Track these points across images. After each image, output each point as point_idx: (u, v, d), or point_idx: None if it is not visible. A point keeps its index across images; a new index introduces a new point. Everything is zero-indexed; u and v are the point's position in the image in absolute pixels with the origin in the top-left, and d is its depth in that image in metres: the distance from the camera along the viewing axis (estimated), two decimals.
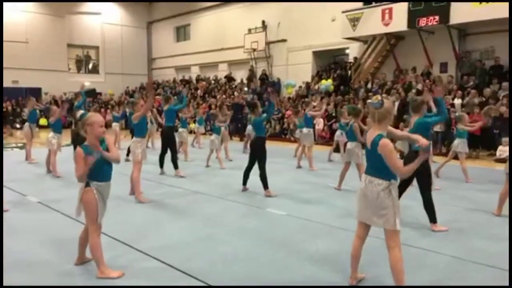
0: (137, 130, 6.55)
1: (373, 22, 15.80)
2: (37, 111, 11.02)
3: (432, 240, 4.64)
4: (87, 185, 3.51)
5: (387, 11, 15.44)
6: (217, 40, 24.10)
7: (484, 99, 12.64)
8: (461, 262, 4.02)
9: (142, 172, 6.51)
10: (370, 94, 15.54)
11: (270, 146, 7.88)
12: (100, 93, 26.10)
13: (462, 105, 12.80)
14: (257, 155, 6.78)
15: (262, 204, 6.24)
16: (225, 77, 23.86)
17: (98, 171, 3.51)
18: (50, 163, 8.50)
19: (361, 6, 16.39)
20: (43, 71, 24.39)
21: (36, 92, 23.31)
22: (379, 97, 3.33)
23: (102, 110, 21.91)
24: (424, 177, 5.03)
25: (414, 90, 14.29)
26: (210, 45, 24.50)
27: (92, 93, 22.24)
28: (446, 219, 5.31)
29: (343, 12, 16.69)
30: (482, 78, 13.87)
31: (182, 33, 27.90)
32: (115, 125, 12.99)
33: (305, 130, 9.76)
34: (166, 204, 6.25)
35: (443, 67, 15.35)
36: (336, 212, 5.81)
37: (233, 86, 22.70)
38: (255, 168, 6.84)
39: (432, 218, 5.03)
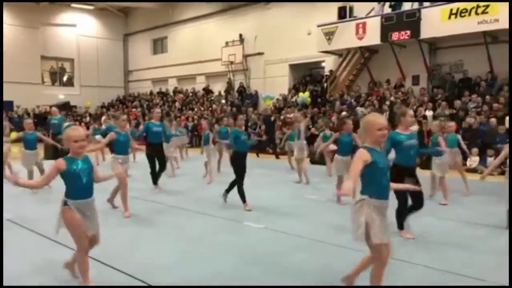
0: (117, 146, 6.49)
1: (347, 36, 16.18)
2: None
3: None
4: (65, 203, 3.41)
5: (360, 25, 15.86)
6: (195, 52, 24.14)
7: (454, 111, 13.07)
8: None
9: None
10: (344, 106, 15.87)
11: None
12: (75, 106, 25.65)
13: (434, 117, 13.18)
14: (234, 170, 6.73)
15: (240, 217, 6.24)
16: (203, 89, 23.87)
17: (73, 189, 3.41)
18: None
19: (336, 20, 16.79)
20: (16, 84, 23.75)
21: (8, 105, 22.69)
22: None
23: (77, 123, 21.47)
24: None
25: (388, 102, 14.67)
26: (187, 58, 24.52)
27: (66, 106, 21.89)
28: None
29: (319, 26, 17.04)
30: (452, 91, 14.37)
31: (159, 46, 27.83)
32: (99, 137, 12.72)
33: (298, 143, 9.50)
34: (149, 220, 6.14)
35: (415, 79, 15.83)
36: (317, 226, 5.86)
37: (211, 98, 22.73)
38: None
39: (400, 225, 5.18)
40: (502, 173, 10.59)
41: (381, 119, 3.14)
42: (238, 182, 6.70)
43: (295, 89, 19.52)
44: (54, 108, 14.20)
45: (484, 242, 5.09)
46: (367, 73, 17.10)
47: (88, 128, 20.81)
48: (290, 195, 8.03)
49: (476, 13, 13.07)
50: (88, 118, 23.29)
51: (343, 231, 5.51)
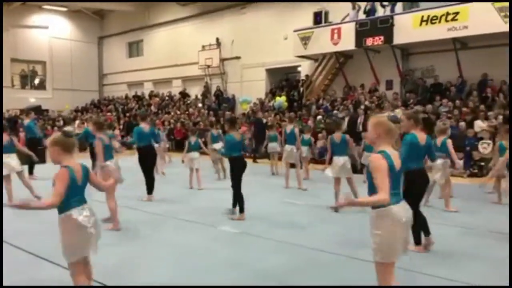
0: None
1: (323, 41, 16.38)
2: None
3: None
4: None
5: (336, 30, 16.09)
6: (171, 56, 23.94)
7: (426, 115, 13.36)
8: None
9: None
10: (320, 110, 16.03)
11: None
12: (47, 110, 24.98)
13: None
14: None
15: (215, 222, 6.19)
16: (180, 93, 23.68)
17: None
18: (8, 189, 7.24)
19: (311, 25, 16.98)
20: None
21: None
22: (400, 111, 3.16)
23: (49, 128, 20.94)
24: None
25: (362, 106, 14.90)
26: (163, 61, 24.29)
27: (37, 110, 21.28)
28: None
29: (295, 31, 17.19)
30: (424, 95, 14.73)
31: (134, 49, 27.48)
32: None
33: (289, 147, 9.29)
34: (130, 229, 5.88)
35: (389, 84, 16.15)
36: (291, 228, 5.88)
37: (188, 102, 22.57)
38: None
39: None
40: (471, 175, 10.92)
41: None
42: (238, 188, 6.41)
43: (272, 93, 19.60)
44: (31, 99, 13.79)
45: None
46: (342, 78, 17.34)
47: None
48: (270, 200, 8.00)
49: (446, 20, 13.46)
50: (61, 122, 22.72)
51: (320, 234, 5.56)
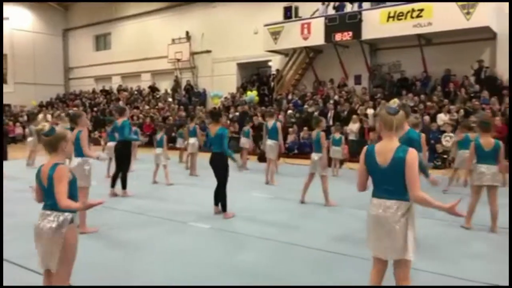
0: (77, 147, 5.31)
1: (293, 36, 16.47)
2: None
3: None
4: (72, 221, 2.82)
5: (305, 25, 16.20)
6: (140, 49, 23.46)
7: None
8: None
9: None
10: (290, 105, 16.16)
11: None
12: (8, 105, 23.99)
13: (374, 115, 13.77)
14: (217, 173, 6.19)
15: (185, 218, 6.13)
16: (149, 87, 23.28)
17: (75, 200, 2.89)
18: None
19: (281, 20, 17.03)
20: None
21: None
22: (397, 101, 2.90)
23: (11, 123, 20.16)
24: None
25: (332, 101, 15.12)
26: (132, 55, 23.77)
27: None
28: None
29: (265, 25, 17.19)
30: (391, 90, 15.09)
31: (102, 42, 26.76)
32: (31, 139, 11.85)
33: (270, 142, 9.09)
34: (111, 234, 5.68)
35: (357, 79, 16.44)
36: (262, 222, 5.90)
37: (157, 96, 22.22)
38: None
39: None
40: (436, 167, 11.31)
41: None
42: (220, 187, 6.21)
43: (243, 88, 19.58)
44: None
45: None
46: (312, 73, 17.51)
47: (24, 128, 19.58)
48: (241, 194, 7.97)
49: (412, 17, 13.81)
50: (25, 117, 21.91)
51: (289, 228, 5.62)
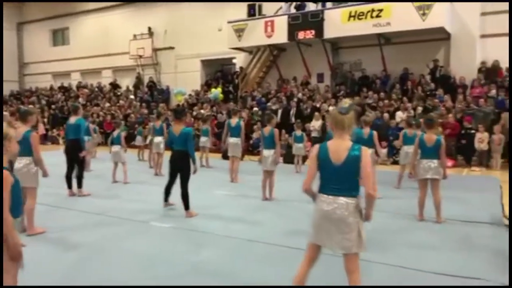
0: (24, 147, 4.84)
1: (257, 34, 16.50)
2: None
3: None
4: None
5: (269, 23, 16.27)
6: (100, 45, 22.76)
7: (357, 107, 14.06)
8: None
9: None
10: (254, 102, 16.21)
11: None
12: None
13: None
14: (179, 171, 6.11)
15: (147, 218, 6.02)
16: (110, 84, 22.64)
17: (18, 206, 2.76)
18: None
19: (246, 17, 17.03)
20: None
21: None
22: (348, 101, 2.97)
23: None
24: None
25: (295, 99, 15.29)
26: (92, 51, 23.02)
27: None
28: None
29: (229, 22, 17.13)
30: (353, 88, 15.45)
31: (59, 37, 25.75)
32: None
33: (233, 140, 8.97)
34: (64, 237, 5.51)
35: (320, 77, 16.71)
36: (224, 220, 5.89)
37: (119, 93, 21.67)
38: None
39: None
40: (395, 162, 11.69)
41: None
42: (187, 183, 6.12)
43: (208, 85, 19.44)
44: None
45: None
46: (276, 70, 17.63)
47: None
48: (204, 192, 7.90)
49: (371, 17, 14.18)
50: None
51: (251, 225, 5.65)
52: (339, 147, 2.86)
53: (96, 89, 22.67)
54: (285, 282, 3.43)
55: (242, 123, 9.17)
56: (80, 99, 21.30)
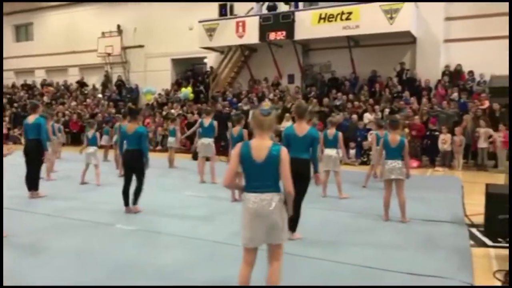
0: None
1: (228, 34, 16.43)
2: None
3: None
4: None
5: (240, 23, 16.24)
6: (67, 42, 22.07)
7: (323, 108, 14.23)
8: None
9: None
10: (226, 102, 16.14)
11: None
12: None
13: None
14: (133, 170, 6.23)
15: (112, 220, 5.87)
16: (77, 82, 22.00)
17: None
18: None
19: (217, 17, 16.93)
20: None
21: None
22: (269, 103, 3.30)
23: None
24: (305, 184, 4.87)
25: (267, 99, 15.32)
26: (58, 48, 22.28)
27: None
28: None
29: (200, 21, 16.98)
30: (322, 89, 15.65)
31: (23, 33, 24.79)
32: None
33: (205, 140, 8.83)
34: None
35: (291, 78, 16.83)
36: (192, 222, 5.81)
37: (86, 92, 21.08)
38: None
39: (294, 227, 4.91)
40: (363, 163, 11.92)
41: None
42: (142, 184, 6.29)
43: (178, 84, 19.20)
44: None
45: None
46: (247, 71, 17.62)
47: None
48: (173, 193, 7.81)
49: (341, 19, 14.40)
50: None
51: (218, 227, 5.60)
52: (261, 146, 3.02)
53: (62, 87, 21.97)
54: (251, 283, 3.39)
55: (215, 123, 9.08)
56: (45, 98, 20.61)
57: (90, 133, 8.85)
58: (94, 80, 21.73)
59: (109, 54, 20.51)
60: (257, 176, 3.02)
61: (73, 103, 19.39)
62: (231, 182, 3.15)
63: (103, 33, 20.86)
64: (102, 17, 21.12)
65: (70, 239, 5.00)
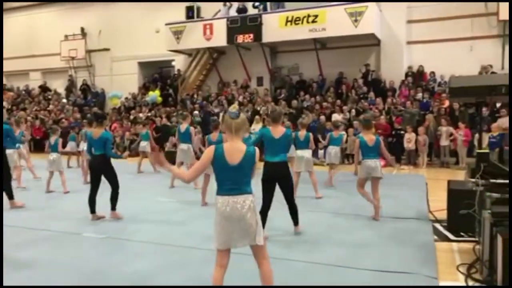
0: None
1: (195, 36, 16.34)
2: None
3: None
4: None
5: (208, 26, 16.19)
6: (28, 45, 21.30)
7: (291, 109, 14.36)
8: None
9: None
10: (196, 105, 16.02)
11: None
12: None
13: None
14: (102, 175, 6.14)
15: (79, 229, 5.69)
16: (39, 87, 21.25)
17: None
18: None
19: (184, 19, 16.80)
20: None
21: None
22: (236, 106, 3.20)
23: None
24: (291, 184, 5.23)
25: (236, 102, 15.31)
26: (18, 51, 21.40)
27: None
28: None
29: (167, 24, 16.80)
30: (291, 91, 15.81)
31: None
32: None
33: (183, 146, 8.67)
34: None
35: (260, 81, 16.91)
36: (162, 228, 5.73)
37: (49, 97, 20.39)
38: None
39: (297, 221, 5.29)
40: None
41: None
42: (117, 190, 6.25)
43: (146, 87, 18.90)
44: None
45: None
46: (216, 74, 17.58)
47: None
48: (142, 199, 7.67)
49: (308, 22, 14.62)
50: None
51: (189, 232, 5.54)
52: (234, 149, 3.03)
53: (24, 92, 21.17)
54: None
55: (192, 129, 8.98)
56: (5, 103, 19.77)
57: (52, 139, 8.57)
58: (58, 85, 21.08)
59: (73, 58, 19.97)
60: (229, 179, 3.02)
61: (35, 108, 18.71)
62: (194, 179, 3.23)
63: (66, 36, 20.30)
64: (65, 20, 20.54)
65: (37, 250, 4.82)
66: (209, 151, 3.06)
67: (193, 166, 3.14)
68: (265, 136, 5.14)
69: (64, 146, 9.15)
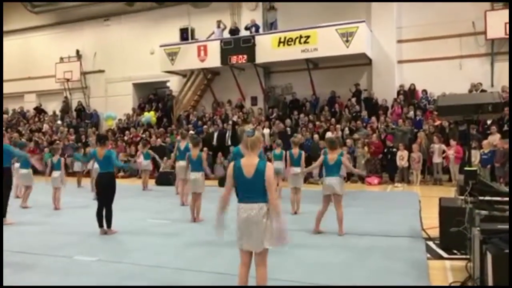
0: None
1: (190, 57, 16.56)
2: None
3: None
4: None
5: (202, 47, 16.42)
6: (23, 68, 21.46)
7: (287, 128, 14.47)
8: None
9: None
10: (190, 126, 16.10)
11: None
12: None
13: (270, 135, 14.36)
14: (104, 193, 6.49)
15: (70, 251, 5.64)
16: (34, 109, 21.30)
17: None
18: None
19: (178, 41, 17.04)
20: None
21: None
22: (250, 125, 3.63)
23: None
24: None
25: (230, 122, 15.43)
26: (13, 73, 21.52)
27: None
28: None
29: (161, 46, 17.03)
30: (284, 110, 15.95)
31: None
32: None
33: (183, 163, 8.71)
34: None
35: (254, 100, 17.06)
36: (154, 249, 5.69)
37: (44, 119, 20.42)
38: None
39: None
40: None
41: None
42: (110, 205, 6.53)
43: (141, 108, 19.00)
44: None
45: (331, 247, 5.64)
46: (210, 94, 17.73)
47: None
48: (136, 219, 7.65)
49: (300, 42, 14.87)
50: None
51: (180, 253, 5.50)
52: (249, 163, 3.47)
53: (18, 115, 21.18)
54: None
55: (191, 146, 9.07)
56: None
57: (55, 158, 9.11)
58: (53, 107, 21.13)
59: (68, 80, 20.09)
60: (247, 189, 3.46)
61: (29, 131, 18.71)
62: (226, 197, 3.57)
63: (61, 58, 20.49)
64: (60, 42, 20.76)
65: (23, 277, 4.75)
66: (230, 167, 3.57)
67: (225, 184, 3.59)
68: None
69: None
